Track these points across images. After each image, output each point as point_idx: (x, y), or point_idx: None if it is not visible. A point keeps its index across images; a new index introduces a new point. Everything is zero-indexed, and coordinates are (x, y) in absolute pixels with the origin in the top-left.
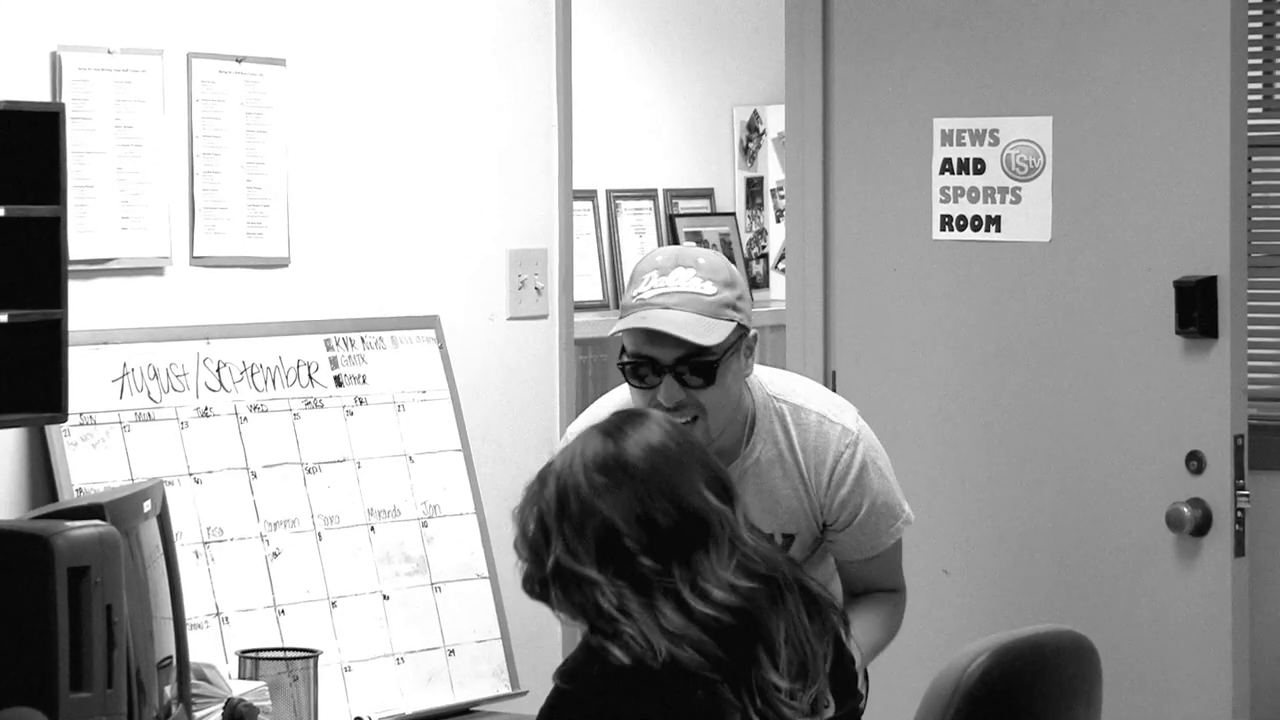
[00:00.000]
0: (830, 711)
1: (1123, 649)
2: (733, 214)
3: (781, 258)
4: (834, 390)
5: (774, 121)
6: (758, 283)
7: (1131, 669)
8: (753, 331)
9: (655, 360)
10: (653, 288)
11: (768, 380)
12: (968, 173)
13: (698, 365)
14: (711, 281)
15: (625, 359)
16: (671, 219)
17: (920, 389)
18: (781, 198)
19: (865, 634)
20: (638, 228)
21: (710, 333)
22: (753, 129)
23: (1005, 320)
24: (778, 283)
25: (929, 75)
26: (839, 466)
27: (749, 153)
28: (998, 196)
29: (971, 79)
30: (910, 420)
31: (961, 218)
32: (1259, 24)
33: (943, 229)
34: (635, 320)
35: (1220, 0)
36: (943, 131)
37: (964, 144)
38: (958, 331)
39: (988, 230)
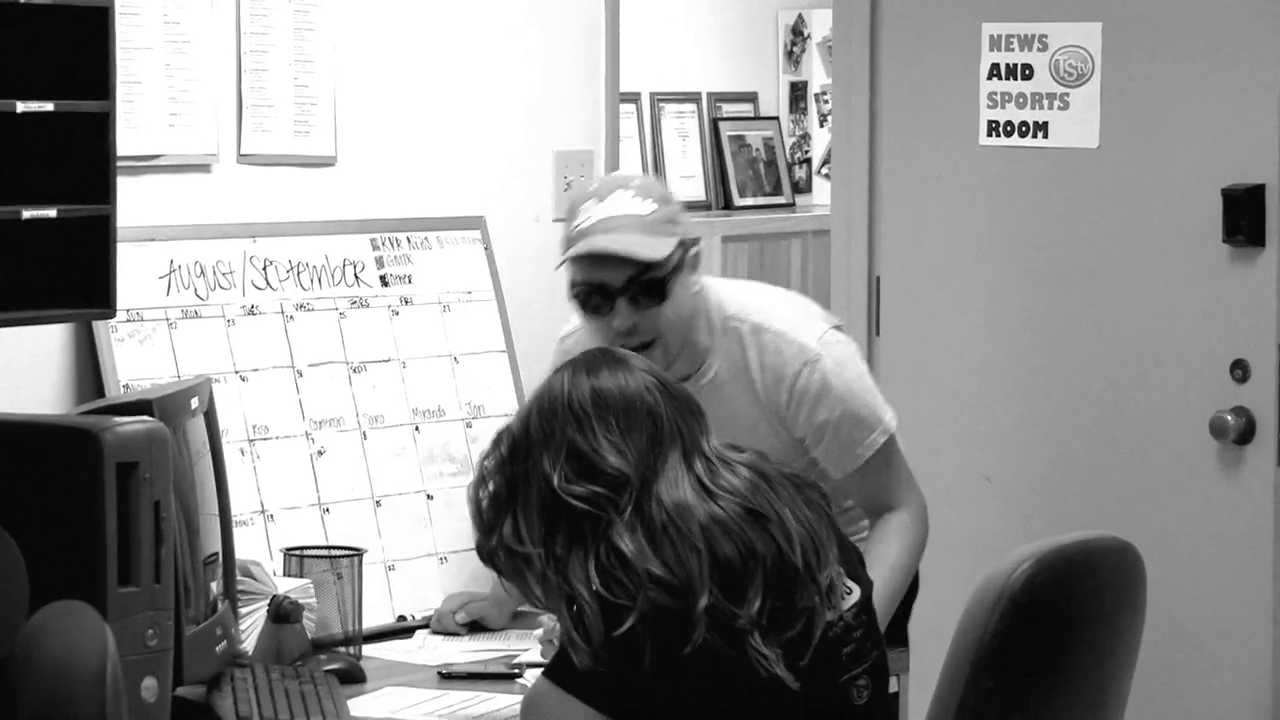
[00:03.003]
0: (855, 597)
1: (1166, 556)
2: (776, 118)
3: (825, 162)
4: (878, 298)
5: (819, 26)
6: (800, 188)
7: (1174, 576)
8: (696, 249)
9: (605, 285)
10: (590, 216)
11: (728, 299)
12: (1016, 78)
13: (648, 284)
14: (649, 199)
15: (575, 290)
16: (715, 122)
17: (964, 296)
18: (825, 102)
19: (881, 578)
20: (681, 131)
21: (656, 249)
22: (797, 33)
23: (1051, 227)
24: (821, 188)
25: None
26: (797, 385)
27: (793, 57)
28: (1046, 102)
29: None
30: (953, 326)
31: (1009, 123)
32: None
33: (990, 134)
34: (581, 247)
35: None
36: (991, 36)
37: (1012, 49)
38: (1003, 238)
39: (1035, 136)
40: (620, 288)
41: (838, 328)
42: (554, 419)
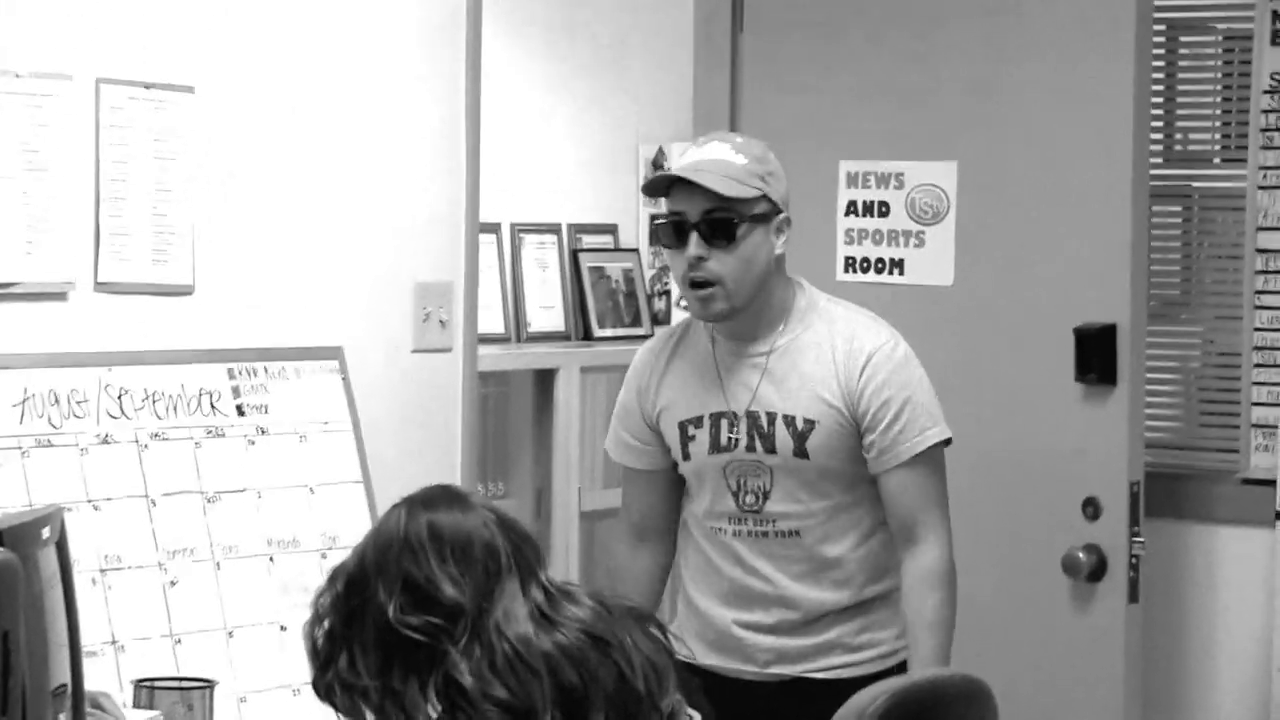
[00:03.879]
0: None
1: (1019, 692)
2: (636, 250)
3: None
4: None
5: (678, 158)
6: (659, 319)
7: (1027, 713)
8: (784, 215)
9: (681, 216)
10: (685, 155)
11: (828, 296)
12: (872, 215)
13: (719, 222)
14: (743, 154)
15: (657, 222)
16: (575, 254)
17: None
18: None
19: (924, 642)
20: (541, 261)
21: (732, 188)
22: (657, 165)
23: None
24: (679, 319)
25: (835, 118)
26: (874, 358)
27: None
28: (902, 240)
29: (878, 123)
30: None
31: (865, 260)
32: (1160, 74)
33: (847, 270)
34: (663, 173)
35: (1124, 51)
36: (849, 174)
37: (869, 186)
38: None
39: (891, 273)
40: (694, 221)
41: None
42: (389, 551)
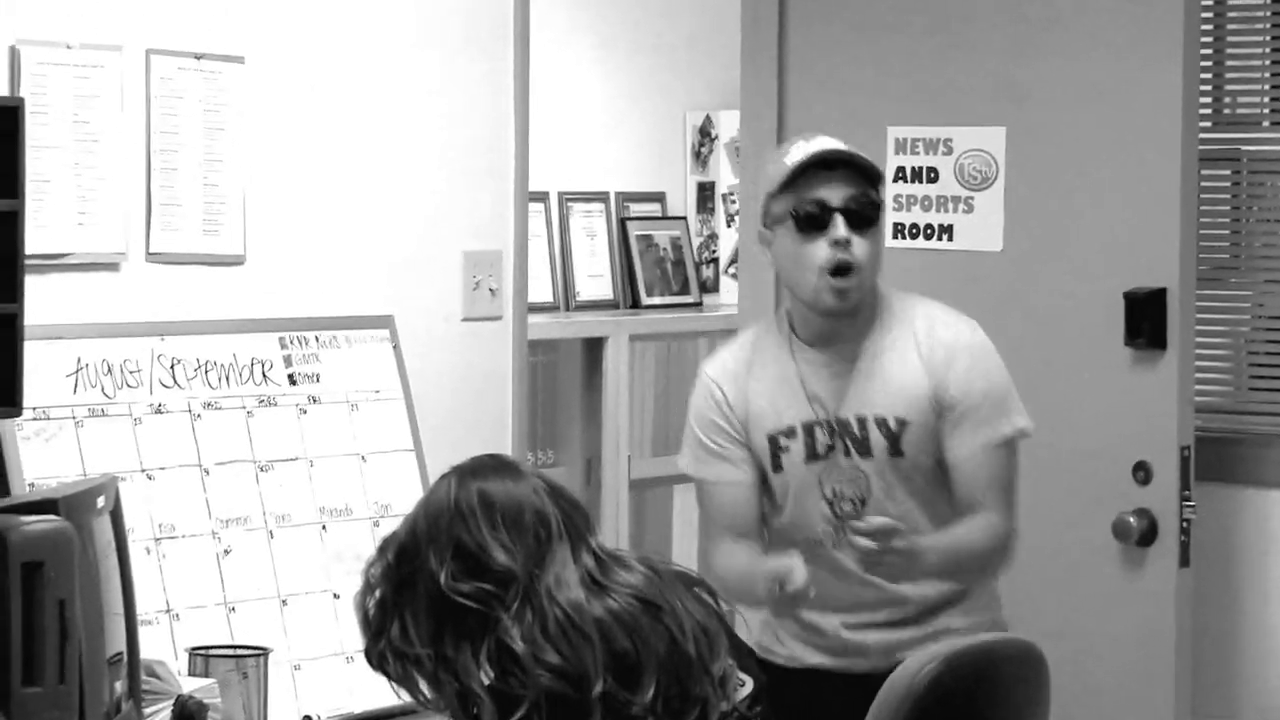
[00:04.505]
0: (747, 689)
1: (1070, 657)
2: (684, 218)
3: (733, 262)
4: None
5: (726, 126)
6: (707, 287)
7: (1078, 677)
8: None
9: (824, 202)
10: (807, 142)
11: (897, 290)
12: (921, 181)
13: (865, 205)
14: (858, 150)
15: (795, 208)
16: (623, 222)
17: None
18: (733, 202)
19: (946, 536)
20: (589, 230)
21: (876, 165)
22: (705, 133)
23: None
24: (729, 288)
25: (884, 84)
26: (959, 343)
27: (701, 157)
28: (951, 205)
29: (926, 89)
30: None
31: (915, 226)
32: (1209, 37)
33: (896, 237)
34: (813, 146)
35: (1173, 13)
36: (897, 140)
37: (918, 153)
38: None
39: (940, 239)
40: (839, 206)
41: None
42: (439, 520)
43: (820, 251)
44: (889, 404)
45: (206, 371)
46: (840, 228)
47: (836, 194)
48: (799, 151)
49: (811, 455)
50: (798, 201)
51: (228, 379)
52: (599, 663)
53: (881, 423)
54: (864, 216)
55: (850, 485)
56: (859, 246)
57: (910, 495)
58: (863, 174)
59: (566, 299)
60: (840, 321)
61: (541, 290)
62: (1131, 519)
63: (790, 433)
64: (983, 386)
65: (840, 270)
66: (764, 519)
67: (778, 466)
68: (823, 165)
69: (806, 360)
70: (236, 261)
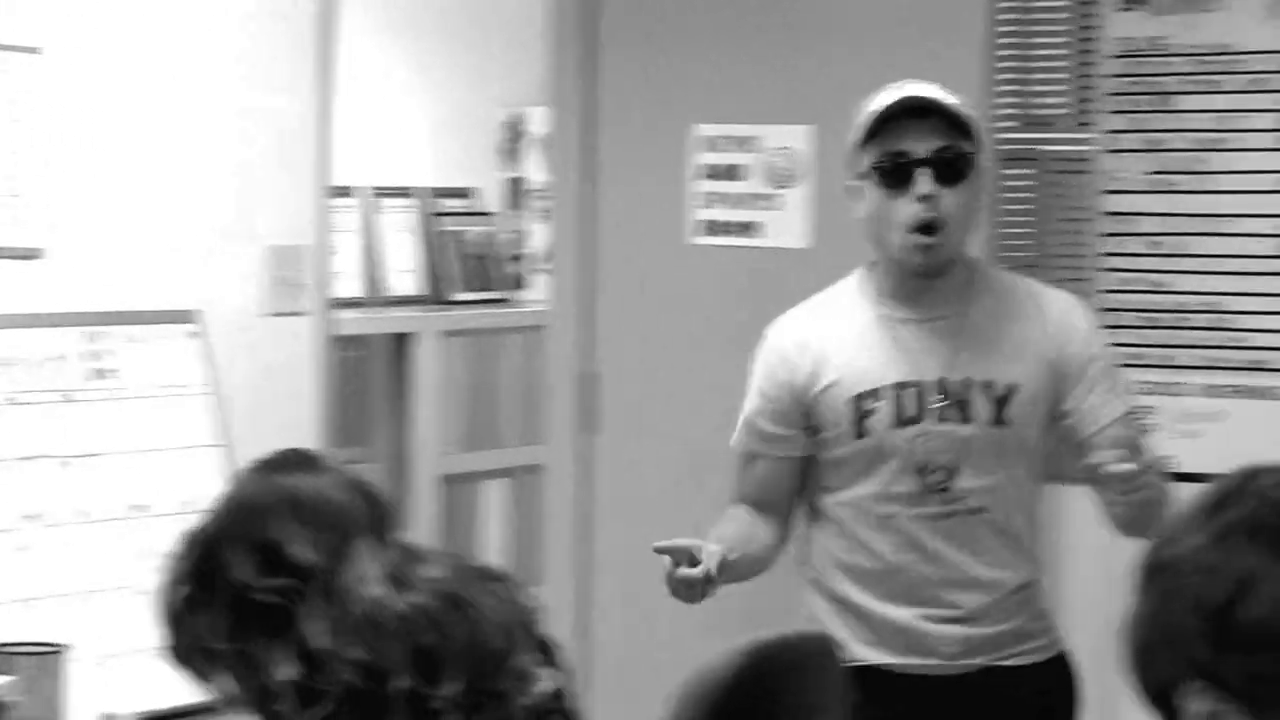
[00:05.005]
0: (548, 684)
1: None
2: (494, 214)
3: (543, 259)
4: (594, 392)
5: (536, 123)
6: (518, 283)
7: None
8: (989, 167)
9: (907, 154)
10: (894, 91)
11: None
12: (728, 179)
13: (954, 156)
14: (956, 98)
15: (877, 162)
16: (433, 218)
17: (680, 392)
18: (544, 199)
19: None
20: (399, 225)
21: (968, 111)
22: (515, 130)
23: (763, 324)
24: (539, 284)
25: (691, 82)
26: (1074, 310)
27: (511, 153)
28: (758, 203)
29: (733, 87)
30: (670, 423)
31: (722, 223)
32: (1014, 39)
33: (703, 234)
34: (898, 92)
35: (974, 13)
36: (704, 137)
37: (725, 150)
38: (717, 335)
39: (747, 236)
40: (924, 158)
41: None
42: (240, 515)
43: (905, 207)
44: (997, 368)
45: (7, 366)
46: (926, 182)
47: (922, 145)
48: (885, 98)
49: (900, 419)
50: (881, 154)
51: (28, 373)
52: (401, 658)
53: (988, 386)
54: (954, 169)
55: (944, 453)
56: (948, 201)
57: (1006, 469)
58: (954, 123)
59: (375, 294)
60: (933, 280)
61: (352, 285)
62: None
63: (876, 394)
64: (1106, 357)
65: (926, 228)
66: (797, 494)
67: (861, 432)
68: (910, 113)
69: (899, 319)
70: (36, 255)
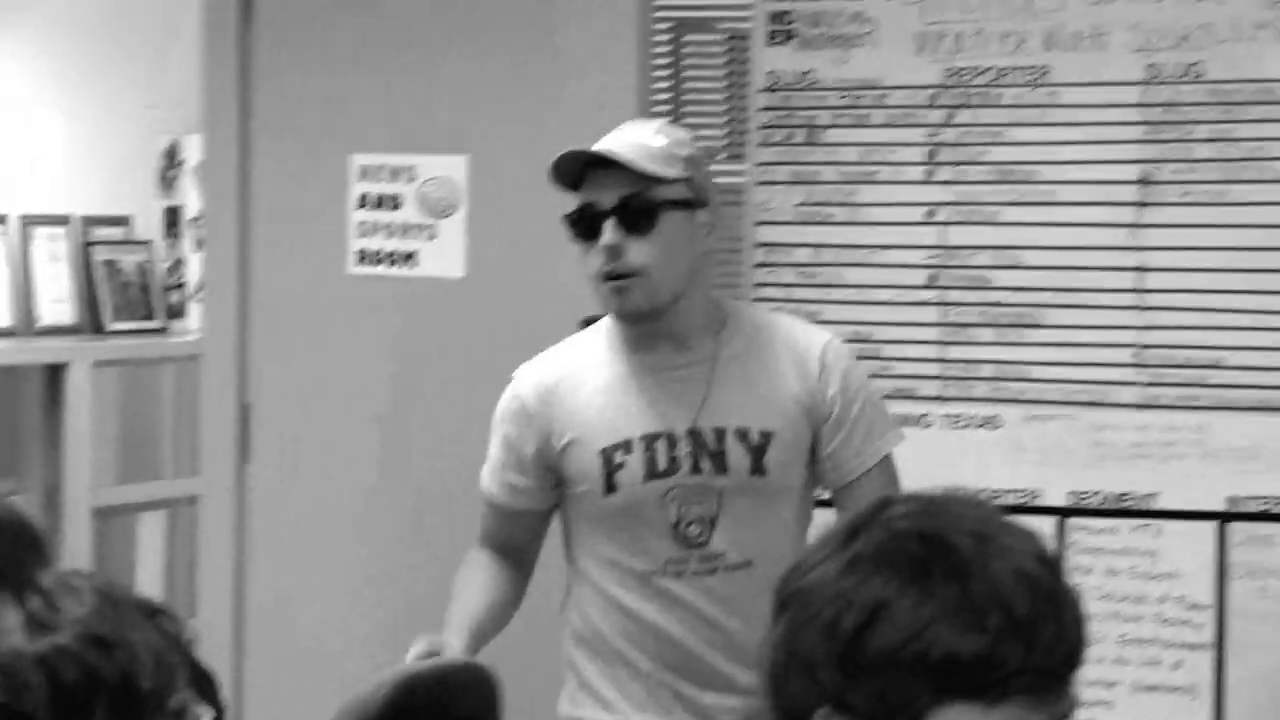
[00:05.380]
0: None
1: (525, 679)
2: (150, 243)
3: (199, 288)
4: (248, 425)
5: (193, 151)
6: (175, 313)
7: (535, 699)
8: (712, 203)
9: (594, 205)
10: (601, 141)
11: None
12: (385, 208)
13: (637, 206)
14: (664, 136)
15: (570, 215)
16: (87, 246)
17: (335, 423)
18: (201, 228)
19: None
20: (52, 254)
21: (649, 165)
22: (172, 158)
23: (419, 354)
24: (196, 314)
25: (347, 112)
26: (827, 355)
27: (168, 181)
28: (414, 233)
29: (389, 117)
30: (324, 453)
31: (378, 252)
32: (668, 72)
33: (360, 263)
34: (571, 151)
35: (627, 48)
36: (361, 167)
37: (381, 180)
38: (373, 366)
39: (404, 266)
40: (610, 209)
41: None
42: None
43: (594, 258)
44: (753, 414)
45: None
46: (608, 233)
47: (608, 195)
48: (570, 152)
49: (652, 472)
50: (576, 206)
51: None
52: (43, 702)
53: (743, 434)
54: (640, 217)
55: (698, 506)
56: (636, 250)
57: (768, 520)
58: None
59: (27, 324)
60: (667, 326)
61: (1, 315)
62: None
63: (627, 447)
64: (862, 396)
65: (613, 277)
66: (540, 545)
67: (611, 487)
68: (598, 164)
69: (647, 368)
70: None
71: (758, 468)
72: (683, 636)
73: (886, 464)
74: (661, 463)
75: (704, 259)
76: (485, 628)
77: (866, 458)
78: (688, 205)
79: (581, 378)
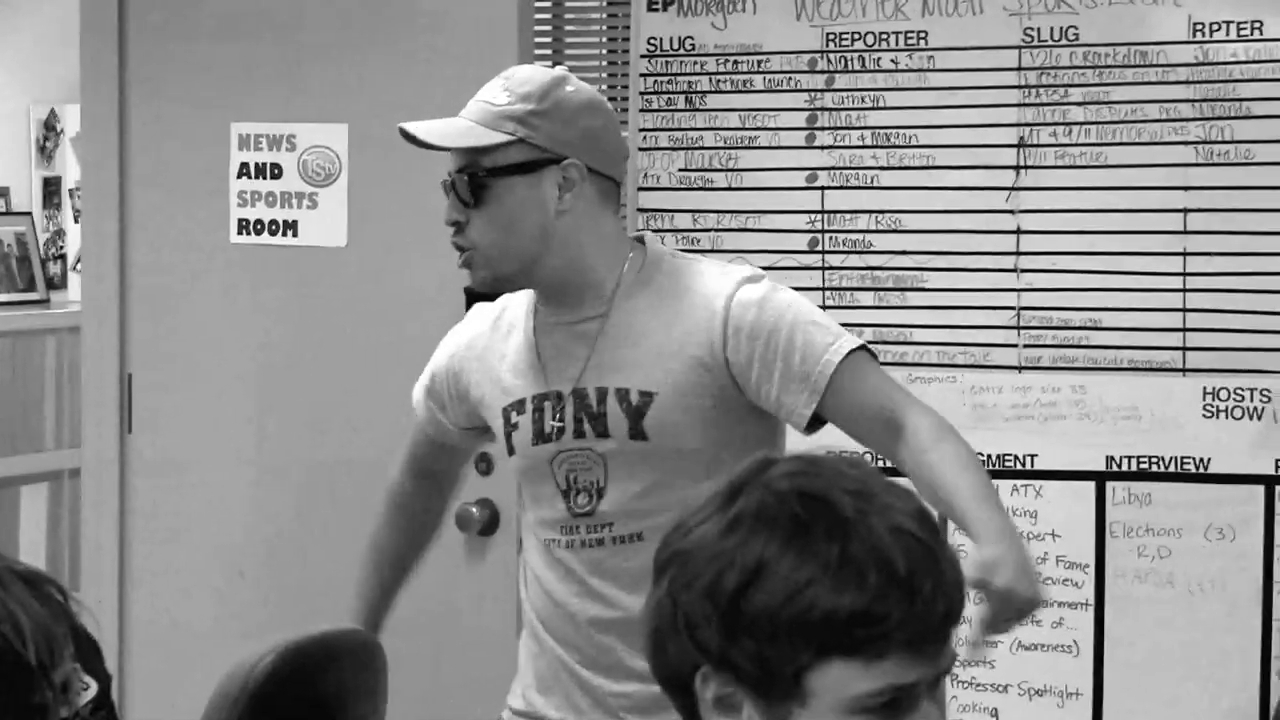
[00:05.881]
0: (91, 692)
1: (412, 646)
2: (29, 213)
3: (79, 259)
4: (130, 395)
5: (71, 121)
6: (55, 284)
7: (420, 665)
8: (569, 161)
9: (447, 179)
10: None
11: (675, 250)
12: (265, 177)
13: (465, 180)
14: (509, 92)
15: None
16: None
17: (216, 392)
18: (79, 197)
19: (964, 482)
20: None
21: (464, 137)
22: (50, 127)
23: (302, 323)
24: (77, 284)
25: (227, 80)
26: (737, 296)
27: (46, 151)
28: (295, 201)
29: (269, 85)
30: (207, 422)
31: (259, 222)
32: (548, 39)
33: (240, 233)
34: (399, 127)
35: (507, 15)
36: (240, 136)
37: (261, 149)
38: (255, 335)
39: (285, 235)
40: (449, 181)
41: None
42: None
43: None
44: (635, 374)
45: None
46: (447, 208)
47: (451, 163)
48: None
49: (540, 435)
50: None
51: None
52: None
53: (623, 395)
54: (469, 191)
55: (585, 473)
56: (473, 225)
57: (659, 489)
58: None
59: None
60: (548, 289)
61: None
62: (474, 509)
63: (520, 407)
64: (782, 326)
65: (461, 250)
66: (464, 461)
67: (511, 449)
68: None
69: (547, 323)
70: None
71: (636, 431)
72: (577, 611)
73: (846, 372)
74: (547, 425)
75: (583, 217)
76: (387, 585)
77: (816, 380)
78: (525, 168)
79: (504, 331)
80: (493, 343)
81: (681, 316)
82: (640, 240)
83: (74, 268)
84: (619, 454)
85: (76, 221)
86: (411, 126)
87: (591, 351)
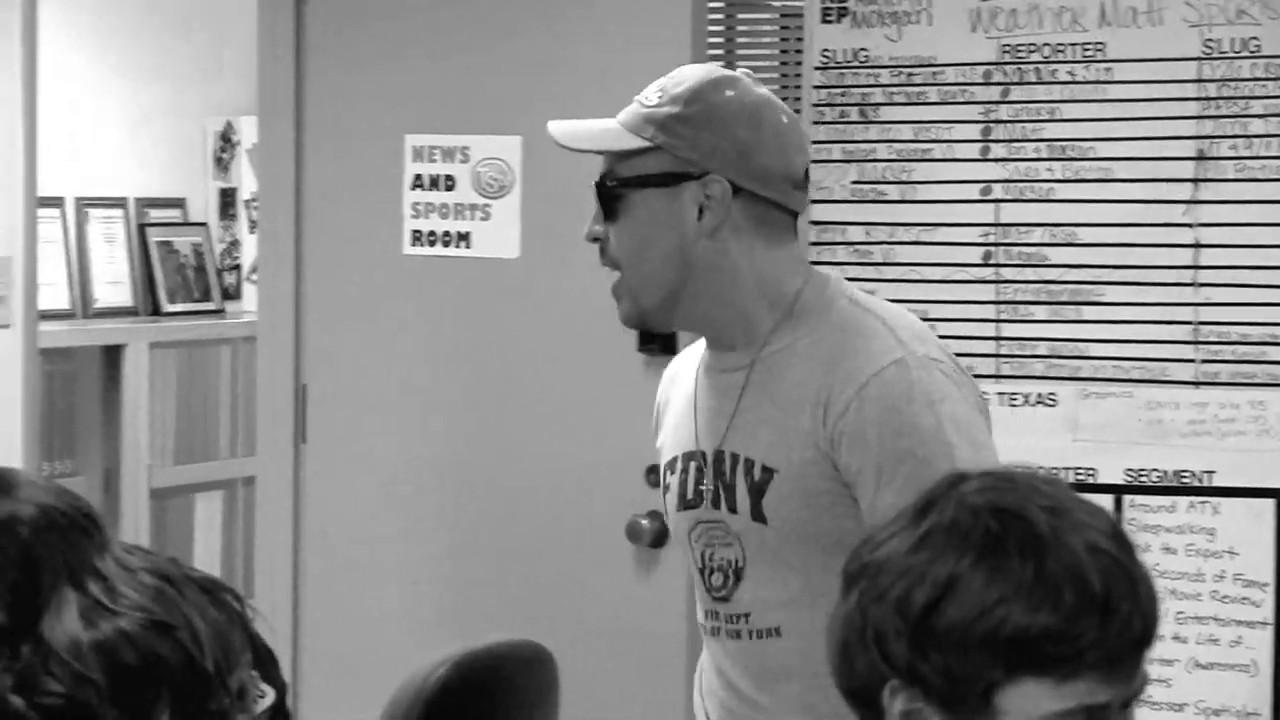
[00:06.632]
0: (268, 700)
1: (583, 657)
2: (205, 224)
3: (254, 270)
4: (304, 406)
5: (248, 133)
6: (230, 294)
7: (591, 677)
8: (708, 177)
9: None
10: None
11: (862, 295)
12: (439, 189)
13: (603, 189)
14: (662, 92)
15: None
16: (142, 228)
17: (390, 404)
18: (255, 209)
19: None
20: (108, 236)
21: (599, 140)
22: (226, 139)
23: (474, 335)
24: (251, 295)
25: (401, 92)
26: (871, 384)
27: (222, 163)
28: (468, 213)
29: (443, 97)
30: (380, 434)
31: (432, 233)
32: (720, 51)
33: (414, 244)
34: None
35: (680, 28)
36: (414, 147)
37: (435, 160)
38: (428, 346)
39: (458, 246)
40: (595, 186)
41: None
42: None
43: None
44: (762, 444)
45: None
46: (589, 221)
47: (598, 172)
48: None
49: (683, 500)
50: None
51: None
52: (105, 693)
53: (750, 467)
54: (607, 204)
55: (722, 549)
56: (613, 244)
57: (792, 575)
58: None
59: (84, 305)
60: (704, 329)
61: (58, 297)
62: (644, 521)
63: (672, 466)
64: (893, 451)
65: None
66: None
67: (666, 510)
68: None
69: (705, 368)
70: None
71: (756, 512)
72: (724, 701)
73: None
74: (690, 489)
75: (724, 239)
76: None
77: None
78: (665, 180)
79: (684, 375)
80: (672, 385)
81: (813, 381)
82: (815, 276)
83: (249, 278)
84: (750, 534)
85: (252, 232)
86: (555, 125)
87: (736, 409)
